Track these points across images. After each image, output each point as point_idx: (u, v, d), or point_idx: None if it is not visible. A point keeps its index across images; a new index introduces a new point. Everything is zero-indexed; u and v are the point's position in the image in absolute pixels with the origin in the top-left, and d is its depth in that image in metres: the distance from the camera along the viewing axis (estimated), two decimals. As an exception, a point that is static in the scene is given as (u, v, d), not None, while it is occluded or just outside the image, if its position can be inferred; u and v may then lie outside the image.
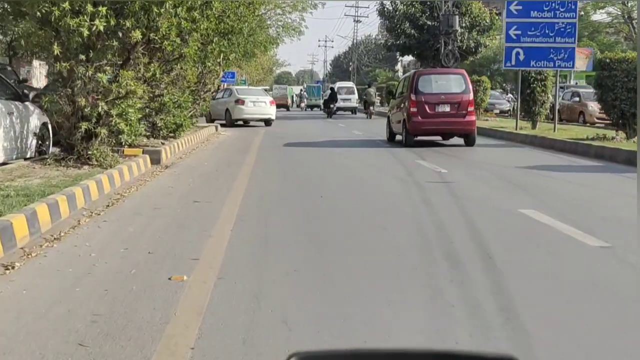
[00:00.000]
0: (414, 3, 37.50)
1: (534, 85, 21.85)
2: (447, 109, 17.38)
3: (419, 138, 17.63)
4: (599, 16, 64.18)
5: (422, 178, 11.06)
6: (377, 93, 44.43)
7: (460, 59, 36.36)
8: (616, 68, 16.26)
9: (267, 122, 28.26)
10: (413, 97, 17.42)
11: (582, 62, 53.66)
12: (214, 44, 16.00)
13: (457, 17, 34.85)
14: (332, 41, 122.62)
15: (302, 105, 60.94)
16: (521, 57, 20.46)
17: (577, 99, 29.61)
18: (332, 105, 41.19)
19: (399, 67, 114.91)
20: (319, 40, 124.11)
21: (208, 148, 16.89)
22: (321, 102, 50.43)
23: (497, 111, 36.21)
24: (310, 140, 20.06)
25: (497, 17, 37.93)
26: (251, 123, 28.57)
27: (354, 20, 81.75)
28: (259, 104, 27.54)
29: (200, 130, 20.64)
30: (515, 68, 20.89)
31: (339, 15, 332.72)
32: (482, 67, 61.55)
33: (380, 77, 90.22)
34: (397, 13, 37.68)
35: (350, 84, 53.11)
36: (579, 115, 28.81)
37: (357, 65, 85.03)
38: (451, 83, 18.09)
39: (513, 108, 34.55)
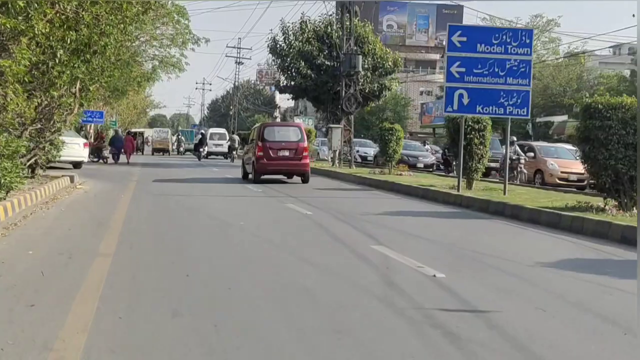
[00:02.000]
0: (310, 40, 33.30)
1: (471, 135, 17.84)
2: (286, 153, 21.60)
3: (265, 177, 21.77)
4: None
5: (267, 202, 12.54)
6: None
7: (362, 103, 32.44)
8: (611, 117, 12.27)
9: (76, 165, 26.61)
10: (260, 143, 21.45)
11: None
12: (59, 63, 10.72)
13: (360, 57, 30.92)
14: (210, 84, 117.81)
15: (181, 149, 60.32)
16: (465, 100, 16.33)
17: (531, 154, 25.71)
18: (201, 150, 44.96)
19: (277, 113, 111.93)
20: (196, 83, 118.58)
21: (48, 215, 11.41)
22: (192, 146, 54.63)
23: (421, 165, 31.99)
24: (181, 178, 23.37)
25: (399, 60, 34.37)
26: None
27: (236, 62, 77.06)
28: (71, 145, 23.98)
29: (46, 183, 15.10)
30: (458, 114, 16.74)
31: (219, 56, 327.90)
32: (372, 115, 58.54)
33: (260, 122, 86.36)
34: (292, 50, 33.33)
35: (222, 130, 57.38)
36: (535, 174, 24.76)
37: (237, 110, 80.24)
38: (290, 133, 22.48)
39: (445, 163, 30.60)
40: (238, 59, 75.95)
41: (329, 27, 33.76)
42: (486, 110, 16.47)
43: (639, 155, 11.35)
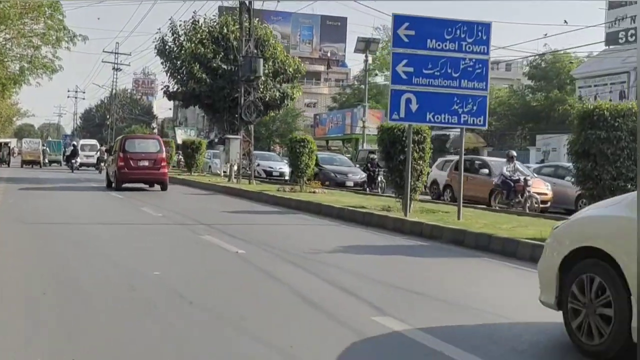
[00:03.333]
0: (204, 41, 29.89)
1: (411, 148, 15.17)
2: (146, 163, 23.34)
3: (127, 185, 23.31)
4: (380, 78, 61.35)
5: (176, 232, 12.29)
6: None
7: (263, 112, 29.36)
8: (620, 127, 9.82)
9: None
10: (121, 154, 23.15)
11: (374, 124, 49.57)
12: None
13: (261, 60, 27.81)
14: (84, 92, 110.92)
15: (45, 160, 56.68)
16: (413, 106, 13.59)
17: (485, 170, 22.20)
18: (73, 161, 45.45)
19: (154, 124, 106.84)
20: (68, 91, 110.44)
21: None
22: (61, 157, 55.72)
23: (351, 183, 27.74)
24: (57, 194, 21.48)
25: (302, 66, 31.57)
26: None
27: (114, 69, 71.85)
28: None
29: None
30: (406, 122, 13.97)
31: (94, 63, 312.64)
32: (260, 125, 55.35)
33: (137, 133, 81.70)
34: (183, 52, 29.79)
35: (93, 141, 58.64)
36: (490, 194, 20.48)
37: (113, 120, 75.08)
38: (149, 145, 24.39)
39: (368, 179, 27.14)
40: (116, 65, 70.81)
41: (225, 27, 30.47)
42: (438, 118, 13.81)
43: (639, 160, 9.10)
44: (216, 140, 40.53)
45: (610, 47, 44.85)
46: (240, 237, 11.05)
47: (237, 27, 29.46)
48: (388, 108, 13.78)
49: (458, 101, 13.76)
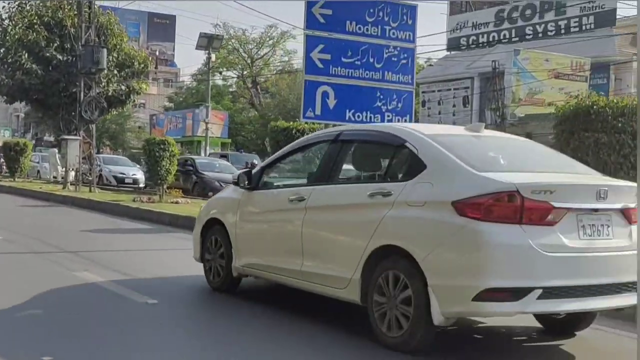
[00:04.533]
0: (34, 26, 25.67)
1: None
2: None
3: None
4: (219, 81, 58.41)
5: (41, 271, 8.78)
6: None
7: (107, 109, 25.75)
8: (624, 129, 7.99)
9: None
10: None
11: (217, 127, 46.68)
12: None
13: (105, 50, 24.20)
14: None
15: None
16: (331, 101, 11.26)
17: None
18: None
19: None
20: None
21: None
22: None
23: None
24: None
25: (149, 59, 28.17)
26: None
27: None
28: None
29: None
30: (321, 121, 11.53)
31: None
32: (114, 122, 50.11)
33: None
34: (8, 38, 25.41)
35: None
36: None
37: None
38: None
39: None
40: None
41: (59, 11, 26.41)
42: (358, 117, 11.58)
43: (639, 161, 7.41)
44: (52, 140, 35.85)
45: (452, 52, 45.20)
46: (131, 274, 8.08)
47: (75, 12, 25.59)
48: (301, 103, 11.30)
49: (381, 97, 11.66)
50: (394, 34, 11.66)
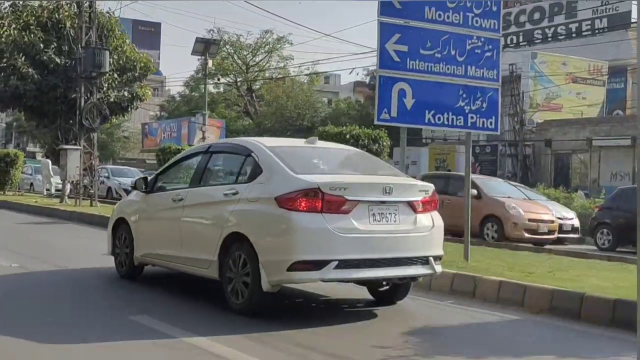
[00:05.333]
0: (30, 27, 23.79)
1: None
2: None
3: None
4: (212, 88, 56.53)
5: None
6: None
7: (109, 116, 23.94)
8: None
9: None
10: None
11: (214, 134, 44.86)
12: None
13: (107, 52, 22.43)
14: None
15: None
16: (408, 101, 9.55)
17: (474, 192, 17.33)
18: None
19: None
20: None
21: None
22: None
23: None
24: None
25: (152, 63, 26.36)
26: None
27: None
28: None
29: None
30: (397, 124, 9.81)
31: None
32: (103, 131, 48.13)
33: None
34: (3, 41, 23.46)
35: None
36: (482, 223, 16.49)
37: None
38: None
39: None
40: None
41: (56, 12, 24.55)
42: (439, 119, 9.88)
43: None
44: (38, 150, 33.83)
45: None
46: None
47: (74, 11, 23.77)
48: (375, 103, 9.56)
49: (464, 95, 9.97)
50: (477, 22, 10.00)
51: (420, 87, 9.61)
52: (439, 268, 7.04)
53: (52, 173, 29.15)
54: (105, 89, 23.89)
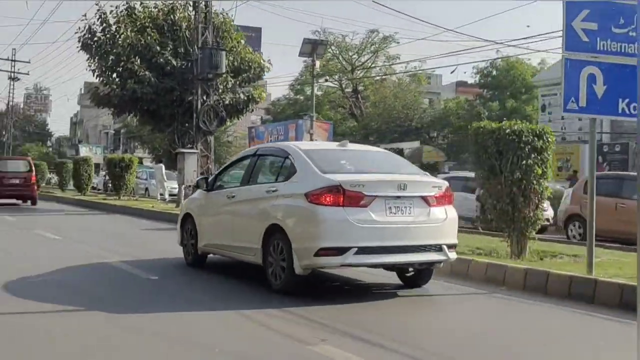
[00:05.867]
0: (147, 29, 23.49)
1: (527, 160, 9.95)
2: (17, 181, 26.66)
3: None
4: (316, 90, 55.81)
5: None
6: None
7: (226, 118, 23.34)
8: None
9: None
10: None
11: (321, 137, 44.08)
12: None
13: (224, 53, 21.81)
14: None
15: None
16: (599, 88, 8.15)
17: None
18: None
19: (50, 142, 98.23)
20: None
21: None
22: None
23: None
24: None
25: (267, 64, 25.60)
26: None
27: (10, 78, 63.17)
28: None
29: None
30: (586, 115, 8.43)
31: None
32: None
33: (32, 151, 73.45)
34: (119, 43, 23.25)
35: None
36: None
37: (11, 135, 66.52)
38: (20, 166, 27.76)
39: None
40: (12, 74, 62.19)
41: (171, 13, 24.19)
42: (634, 108, 8.36)
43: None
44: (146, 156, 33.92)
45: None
46: None
47: (189, 12, 23.32)
48: (562, 92, 8.19)
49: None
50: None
51: (612, 72, 8.20)
52: (452, 255, 7.96)
53: (165, 178, 28.94)
54: (221, 90, 23.30)
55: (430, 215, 7.65)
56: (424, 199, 7.67)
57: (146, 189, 32.67)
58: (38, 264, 9.77)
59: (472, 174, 17.21)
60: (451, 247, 7.90)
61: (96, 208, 25.77)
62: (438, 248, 7.70)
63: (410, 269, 8.27)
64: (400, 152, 44.84)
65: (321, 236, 7.23)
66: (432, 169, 32.42)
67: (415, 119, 48.00)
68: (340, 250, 7.21)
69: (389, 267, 8.10)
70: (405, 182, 7.59)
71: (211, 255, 9.78)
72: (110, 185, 32.68)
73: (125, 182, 29.11)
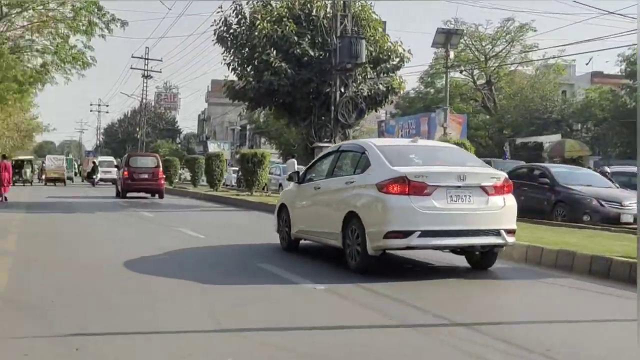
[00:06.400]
0: (283, 19, 22.68)
1: None
2: (146, 176, 29.25)
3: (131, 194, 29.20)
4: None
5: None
6: None
7: (365, 110, 22.16)
8: None
9: None
10: (126, 168, 29.53)
11: (455, 130, 42.27)
12: None
13: (363, 42, 20.63)
14: (107, 105, 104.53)
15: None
16: None
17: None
18: (94, 177, 50.36)
19: (178, 139, 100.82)
20: (91, 104, 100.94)
21: None
22: (73, 174, 63.32)
23: (630, 219, 15.83)
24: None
25: (406, 53, 24.22)
26: None
27: (143, 76, 64.99)
28: None
29: None
30: None
31: (121, 71, 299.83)
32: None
33: (163, 148, 75.55)
34: (256, 35, 22.56)
35: (110, 158, 62.42)
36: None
37: (144, 132, 68.44)
38: (149, 161, 30.45)
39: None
40: (146, 72, 63.92)
41: (308, 3, 23.28)
42: None
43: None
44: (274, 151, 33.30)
45: None
46: None
47: (327, 0, 22.35)
48: None
49: None
50: None
51: None
52: (511, 240, 8.74)
53: (298, 173, 28.18)
54: (360, 80, 22.19)
55: (488, 203, 8.50)
56: (483, 188, 8.53)
57: (280, 185, 32.12)
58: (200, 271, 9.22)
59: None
60: (509, 232, 8.69)
61: (231, 204, 25.34)
62: (496, 232, 8.52)
63: (476, 252, 9.06)
64: (539, 145, 42.42)
65: (389, 221, 8.22)
66: (575, 164, 29.94)
67: (555, 111, 45.30)
68: (405, 234, 8.18)
69: (453, 249, 9.13)
70: (465, 173, 8.50)
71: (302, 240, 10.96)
72: (243, 180, 32.38)
73: (257, 177, 28.64)
